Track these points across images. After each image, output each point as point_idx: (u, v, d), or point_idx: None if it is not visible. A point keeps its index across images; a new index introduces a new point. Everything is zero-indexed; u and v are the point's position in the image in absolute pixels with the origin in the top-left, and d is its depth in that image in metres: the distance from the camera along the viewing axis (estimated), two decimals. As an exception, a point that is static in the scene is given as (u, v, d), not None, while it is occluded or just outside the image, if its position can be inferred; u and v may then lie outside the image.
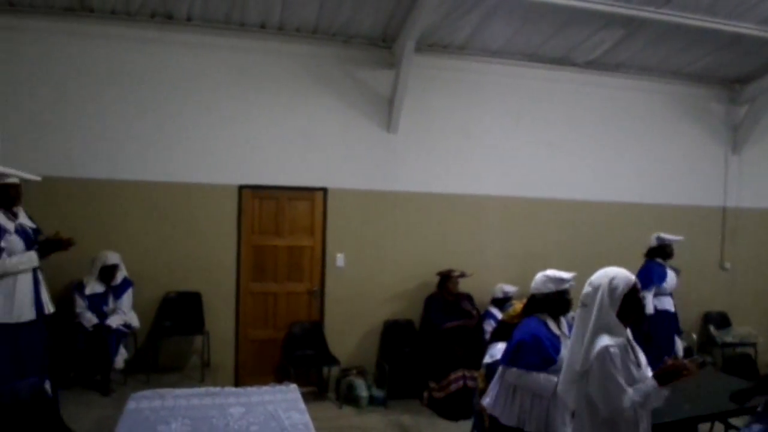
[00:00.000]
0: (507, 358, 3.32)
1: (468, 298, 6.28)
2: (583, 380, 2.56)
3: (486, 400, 3.50)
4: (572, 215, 6.88)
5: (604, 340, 2.48)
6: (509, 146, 6.66)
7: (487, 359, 4.79)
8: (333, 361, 5.93)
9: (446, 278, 6.16)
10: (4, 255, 4.00)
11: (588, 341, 2.53)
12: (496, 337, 4.68)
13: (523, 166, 6.71)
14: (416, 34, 5.64)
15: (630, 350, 2.60)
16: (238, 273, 6.00)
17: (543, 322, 3.29)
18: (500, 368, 3.46)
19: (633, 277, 2.61)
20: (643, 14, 5.59)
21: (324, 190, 6.19)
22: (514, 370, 3.25)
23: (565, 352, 3.13)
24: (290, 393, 3.76)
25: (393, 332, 6.30)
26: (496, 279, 6.34)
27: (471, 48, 6.34)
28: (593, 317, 2.54)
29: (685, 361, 2.56)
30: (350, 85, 6.19)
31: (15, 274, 4.05)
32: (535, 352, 3.16)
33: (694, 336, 7.25)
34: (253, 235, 6.06)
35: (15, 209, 4.22)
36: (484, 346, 5.48)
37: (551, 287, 3.29)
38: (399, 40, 5.94)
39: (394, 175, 6.32)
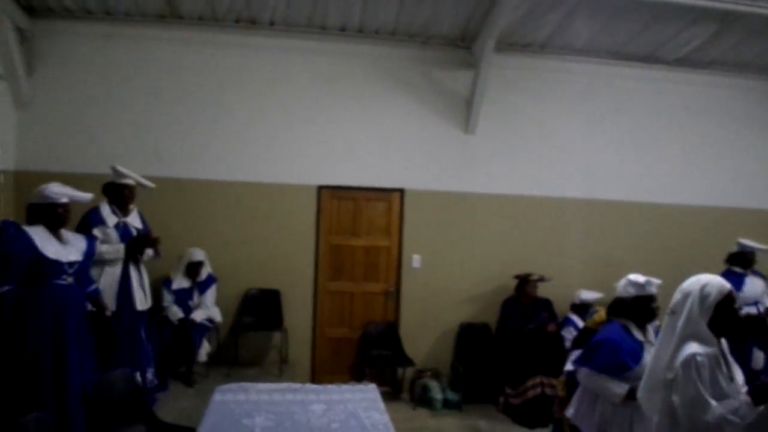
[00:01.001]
0: (580, 357, 3.30)
1: (546, 303, 6.13)
2: (666, 388, 2.45)
3: (570, 411, 3.40)
4: (659, 219, 6.58)
5: (692, 348, 2.38)
6: (592, 147, 6.46)
7: (568, 366, 4.66)
8: (408, 362, 5.93)
9: (524, 282, 6.03)
10: (96, 243, 4.25)
11: (674, 349, 2.43)
12: (578, 344, 4.56)
13: (606, 167, 6.48)
14: (496, 33, 5.56)
15: (722, 362, 2.47)
16: (316, 272, 6.11)
17: (625, 327, 3.20)
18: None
19: (728, 286, 2.48)
20: (737, 7, 5.29)
21: (401, 191, 6.20)
22: (584, 369, 3.20)
23: (648, 359, 3.01)
24: (369, 393, 3.78)
25: (468, 335, 6.24)
26: (576, 285, 6.14)
27: (552, 46, 6.19)
28: (681, 324, 2.44)
29: None
30: (428, 85, 6.18)
31: (102, 263, 4.31)
32: (608, 355, 3.09)
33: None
34: (331, 234, 6.15)
35: (126, 208, 4.55)
36: (563, 353, 5.36)
37: (632, 291, 3.24)
38: (478, 39, 5.87)
39: (472, 177, 6.26)
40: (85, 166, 5.47)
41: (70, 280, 3.71)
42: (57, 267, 3.63)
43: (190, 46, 5.83)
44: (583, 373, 3.20)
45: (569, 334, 5.69)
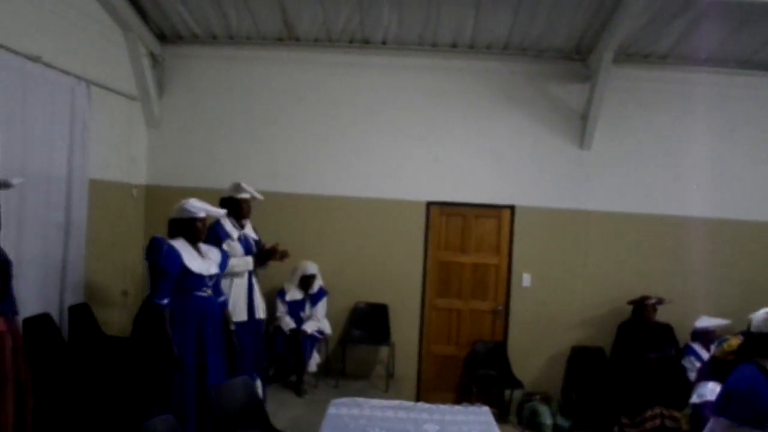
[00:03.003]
0: (716, 407, 2.98)
1: (667, 329, 5.75)
2: None
3: None
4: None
5: None
6: (718, 163, 6.00)
7: (694, 399, 4.35)
8: (516, 384, 5.76)
9: (641, 307, 5.70)
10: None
11: None
12: (705, 375, 4.24)
13: (736, 184, 6.00)
14: (615, 44, 5.34)
15: None
16: (423, 288, 6.10)
17: (763, 369, 2.86)
18: (711, 418, 3.10)
19: None
20: None
21: (511, 208, 6.08)
22: (723, 420, 2.88)
23: None
24: (483, 415, 3.69)
25: (581, 359, 5.97)
26: (700, 310, 5.67)
27: (675, 57, 5.85)
28: None
29: None
30: (540, 100, 6.04)
31: (232, 276, 4.49)
32: (747, 403, 2.77)
33: None
34: (439, 251, 6.13)
35: (243, 221, 4.73)
36: (686, 384, 4.99)
37: None
38: (595, 51, 5.66)
39: (586, 194, 6.02)
40: (208, 181, 5.79)
41: (209, 292, 3.85)
42: (200, 280, 3.77)
43: (306, 66, 6.06)
44: (722, 426, 2.91)
45: (689, 363, 5.29)
